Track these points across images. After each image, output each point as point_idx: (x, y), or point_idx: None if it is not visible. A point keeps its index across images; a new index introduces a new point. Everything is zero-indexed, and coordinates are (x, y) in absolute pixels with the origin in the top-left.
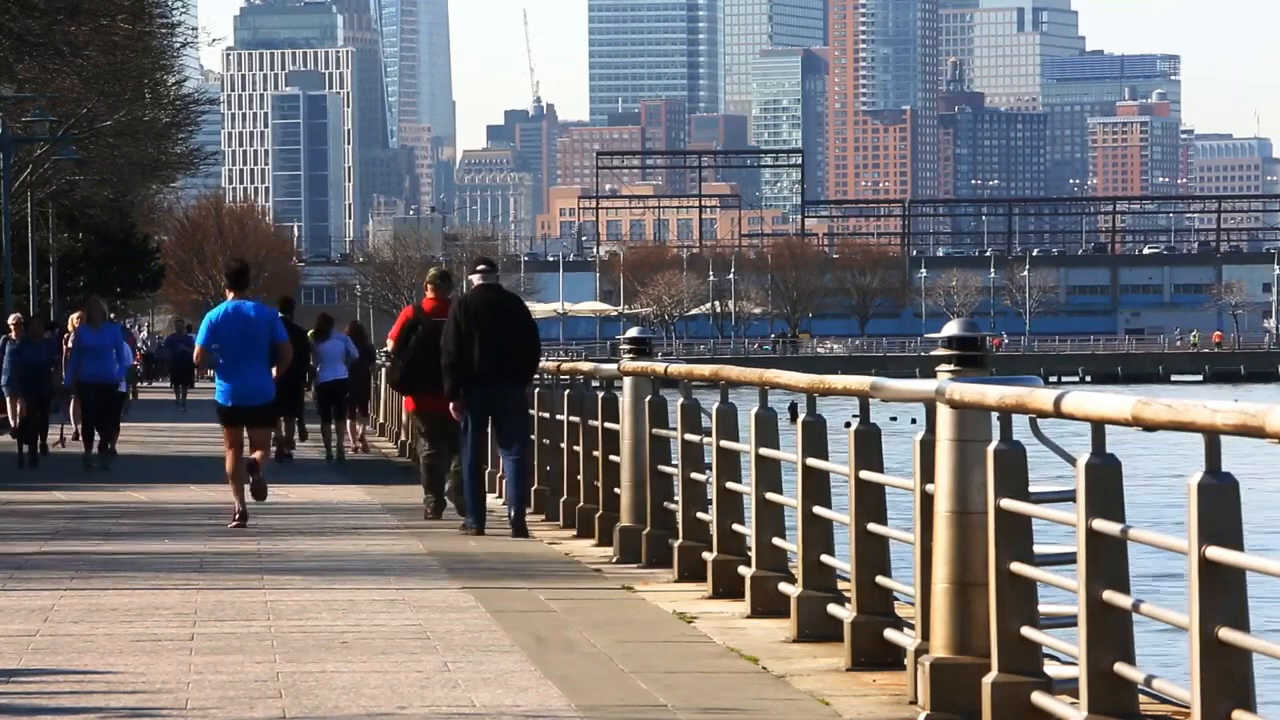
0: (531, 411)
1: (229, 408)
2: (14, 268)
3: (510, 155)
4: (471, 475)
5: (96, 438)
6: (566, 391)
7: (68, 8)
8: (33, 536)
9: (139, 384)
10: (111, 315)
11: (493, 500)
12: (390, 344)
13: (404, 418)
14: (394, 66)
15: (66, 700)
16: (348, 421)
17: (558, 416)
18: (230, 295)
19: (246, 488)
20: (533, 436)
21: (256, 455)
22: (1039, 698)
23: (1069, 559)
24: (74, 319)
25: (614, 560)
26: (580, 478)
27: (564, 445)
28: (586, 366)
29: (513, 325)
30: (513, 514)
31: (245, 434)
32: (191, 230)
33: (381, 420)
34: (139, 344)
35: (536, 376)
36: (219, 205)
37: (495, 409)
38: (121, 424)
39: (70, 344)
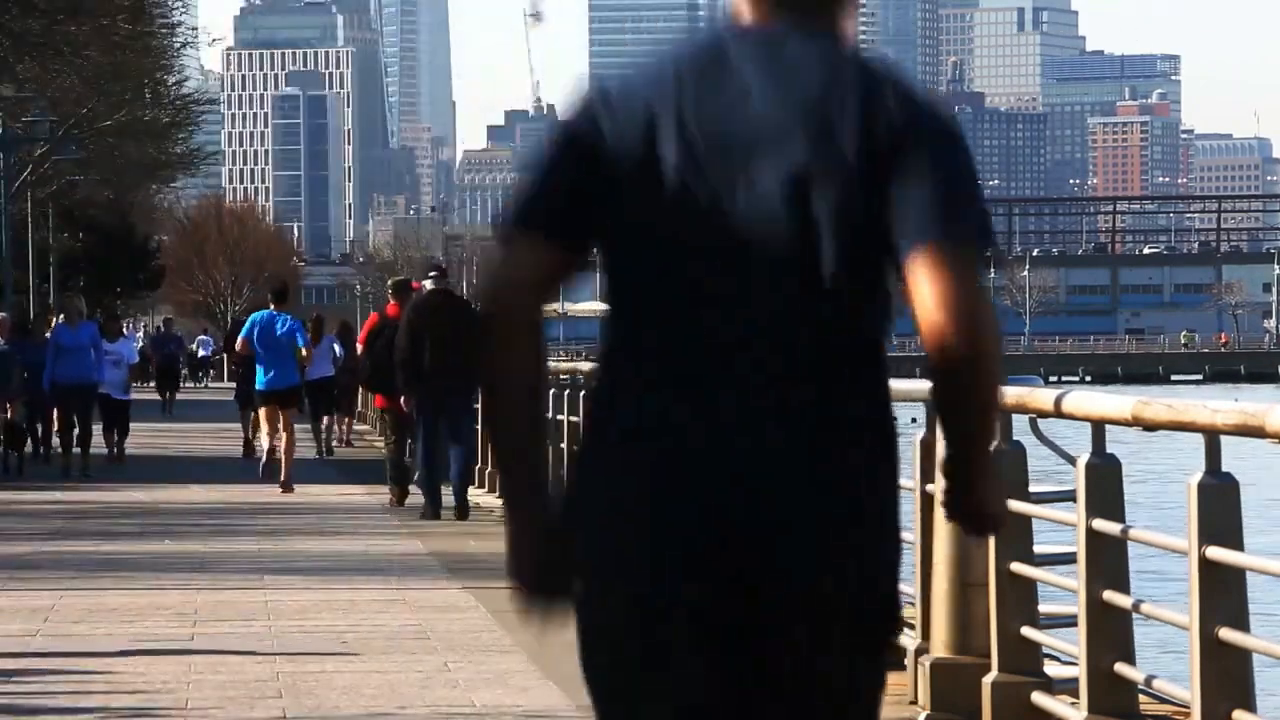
0: None
1: (266, 391)
2: (14, 268)
3: (511, 155)
4: (424, 464)
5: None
6: (566, 391)
7: (68, 8)
8: (33, 536)
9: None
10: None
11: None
12: (359, 347)
13: None
14: (394, 67)
15: (66, 700)
16: (336, 416)
17: (558, 416)
18: (272, 306)
19: (279, 448)
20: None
21: (285, 467)
22: (1039, 698)
23: (1069, 559)
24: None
25: None
26: None
27: (564, 445)
28: (587, 366)
29: (460, 328)
30: (455, 501)
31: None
32: (192, 230)
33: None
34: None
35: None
36: (219, 205)
37: (442, 405)
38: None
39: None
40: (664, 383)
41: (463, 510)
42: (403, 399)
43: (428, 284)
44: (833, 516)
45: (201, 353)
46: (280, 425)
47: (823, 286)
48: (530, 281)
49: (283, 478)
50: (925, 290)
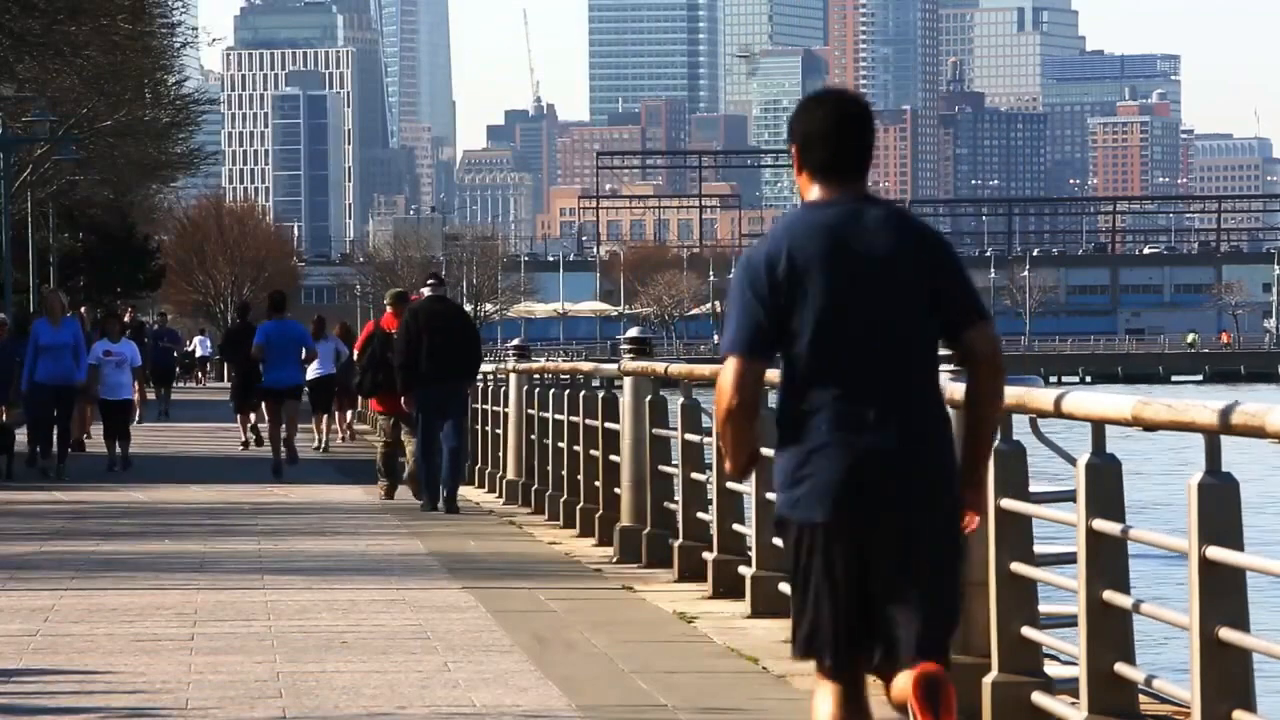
0: (531, 411)
1: (273, 389)
2: (14, 268)
3: (510, 155)
4: (423, 460)
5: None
6: (566, 391)
7: (68, 8)
8: (33, 536)
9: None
10: (77, 313)
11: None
12: (356, 354)
13: None
14: (394, 66)
15: (67, 700)
16: (337, 414)
17: (558, 416)
18: (273, 316)
19: (282, 452)
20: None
21: (285, 440)
22: (1039, 698)
23: (1069, 559)
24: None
25: (614, 560)
26: (580, 478)
27: (564, 445)
28: (587, 366)
29: (456, 332)
30: (446, 494)
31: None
32: (191, 230)
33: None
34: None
35: (537, 377)
36: (219, 205)
37: (439, 404)
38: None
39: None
40: (830, 408)
41: (452, 505)
42: (403, 400)
43: (426, 291)
44: (923, 471)
45: (200, 352)
46: (281, 418)
47: (909, 347)
48: (750, 384)
49: (280, 462)
50: (976, 344)
